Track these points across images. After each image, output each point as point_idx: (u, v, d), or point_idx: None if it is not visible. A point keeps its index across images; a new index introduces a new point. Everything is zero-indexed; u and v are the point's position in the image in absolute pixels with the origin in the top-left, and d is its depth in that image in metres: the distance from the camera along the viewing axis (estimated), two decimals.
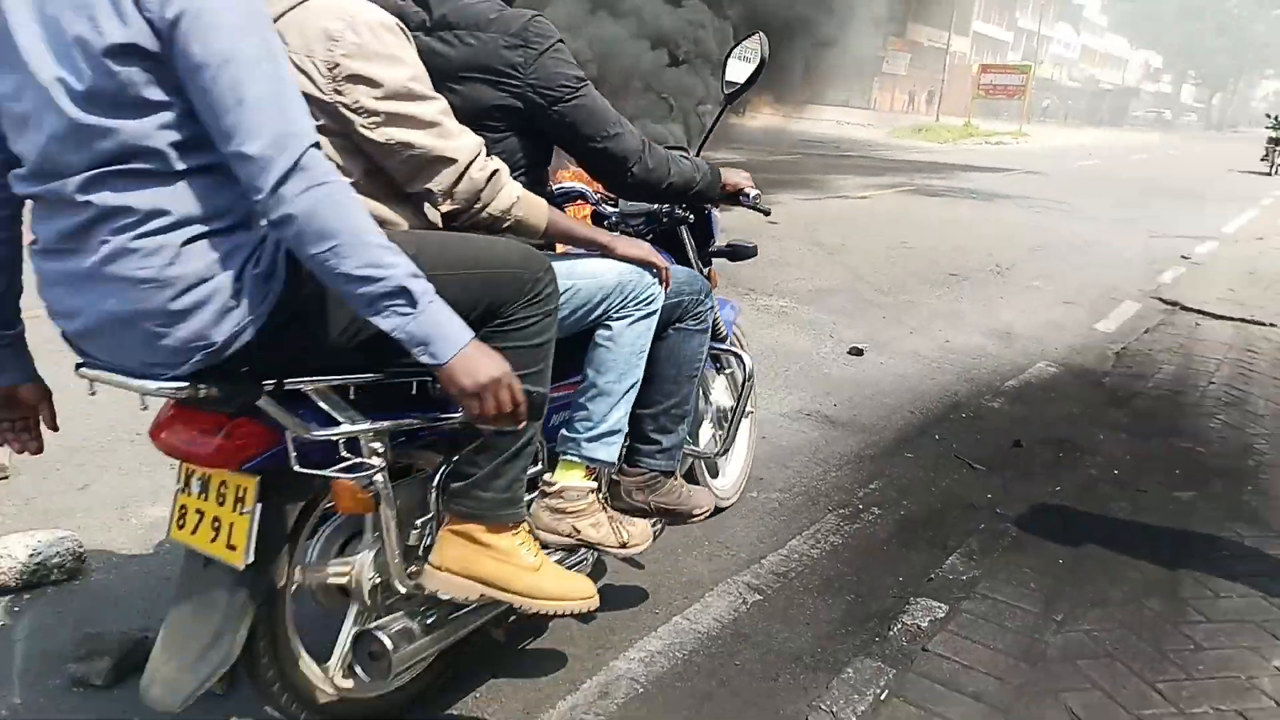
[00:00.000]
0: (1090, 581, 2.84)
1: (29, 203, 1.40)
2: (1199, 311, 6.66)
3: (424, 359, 1.39)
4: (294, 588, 1.71)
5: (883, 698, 2.23)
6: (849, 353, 5.09)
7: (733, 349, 2.85)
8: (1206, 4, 79.81)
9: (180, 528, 1.63)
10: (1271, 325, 6.33)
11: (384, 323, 1.35)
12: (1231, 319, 6.46)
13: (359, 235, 1.30)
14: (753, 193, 2.52)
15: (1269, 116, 24.52)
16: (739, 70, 2.70)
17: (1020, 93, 42.17)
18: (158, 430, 1.59)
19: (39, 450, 1.66)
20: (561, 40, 1.99)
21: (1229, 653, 2.49)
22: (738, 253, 2.97)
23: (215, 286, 1.33)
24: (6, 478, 2.92)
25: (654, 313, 2.12)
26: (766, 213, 2.64)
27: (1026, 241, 9.64)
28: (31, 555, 2.35)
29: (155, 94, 1.26)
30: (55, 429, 1.65)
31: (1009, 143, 31.66)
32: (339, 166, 1.59)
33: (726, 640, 2.43)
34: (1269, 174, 22.38)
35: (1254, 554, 3.07)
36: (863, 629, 2.53)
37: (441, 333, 1.39)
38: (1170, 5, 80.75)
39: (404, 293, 1.33)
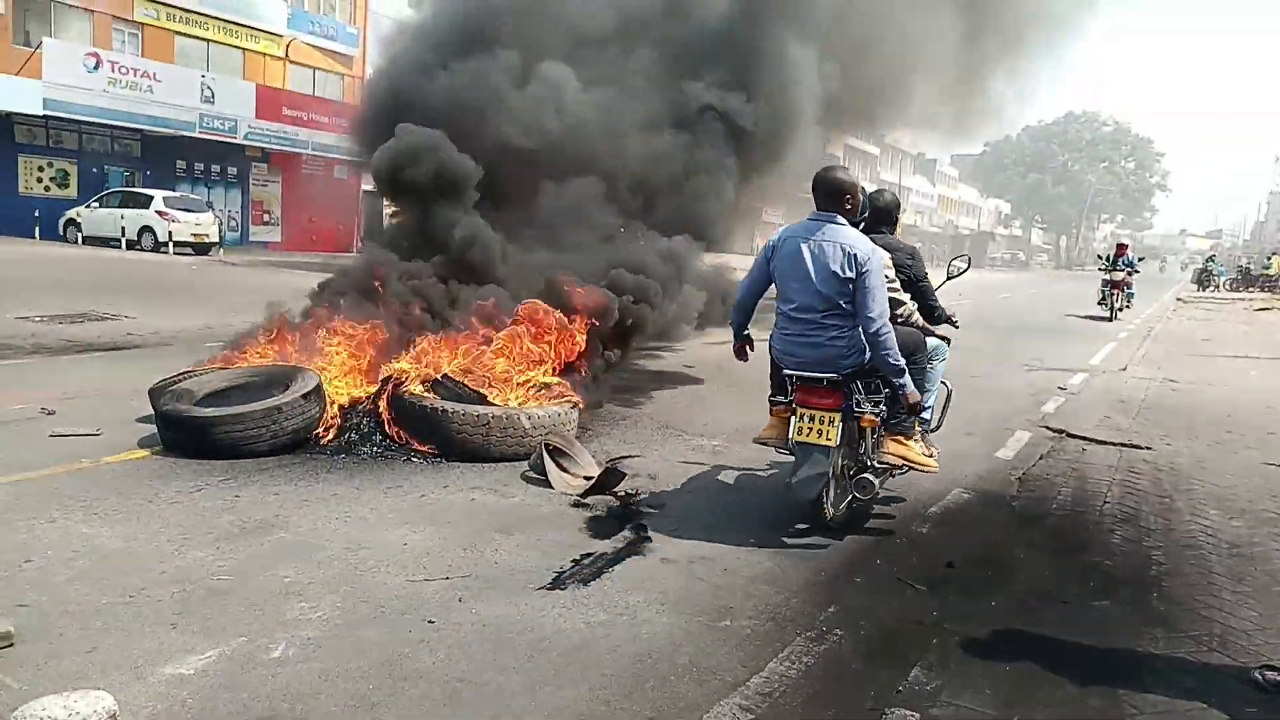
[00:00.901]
0: (1037, 686, 3.17)
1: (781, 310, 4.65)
2: (1083, 438, 7.34)
3: (901, 387, 4.48)
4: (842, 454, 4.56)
5: None
6: (785, 486, 5.43)
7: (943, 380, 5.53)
8: (1044, 158, 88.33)
9: (800, 435, 4.44)
10: (1149, 448, 7.03)
11: (895, 379, 4.46)
12: (1113, 444, 7.15)
13: (893, 349, 4.38)
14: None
15: (1100, 258, 23.10)
16: (953, 270, 6.33)
17: None
18: (801, 396, 4.50)
19: None
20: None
21: None
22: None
23: (856, 349, 4.43)
24: (11, 644, 2.92)
25: (945, 358, 5.37)
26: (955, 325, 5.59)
27: None
28: (69, 714, 2.40)
29: (847, 290, 4.35)
30: None
31: None
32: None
33: None
34: (1109, 319, 20.04)
35: (1169, 656, 3.46)
36: None
37: (906, 380, 4.47)
38: (1011, 159, 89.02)
39: (901, 371, 4.42)
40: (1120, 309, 20.87)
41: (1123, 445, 7.13)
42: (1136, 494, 5.75)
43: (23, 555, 3.74)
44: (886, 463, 4.80)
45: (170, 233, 22.80)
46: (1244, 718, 2.99)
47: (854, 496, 4.64)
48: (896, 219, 5.33)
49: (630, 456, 5.74)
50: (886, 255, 4.74)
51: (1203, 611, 3.89)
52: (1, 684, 2.74)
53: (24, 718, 2.40)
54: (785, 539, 4.55)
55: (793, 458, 4.59)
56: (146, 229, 23.20)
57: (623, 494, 5.08)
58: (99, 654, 2.97)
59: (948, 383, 5.59)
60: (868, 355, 4.45)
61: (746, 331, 4.94)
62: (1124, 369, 12.03)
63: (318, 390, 5.60)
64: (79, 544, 3.90)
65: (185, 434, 5.28)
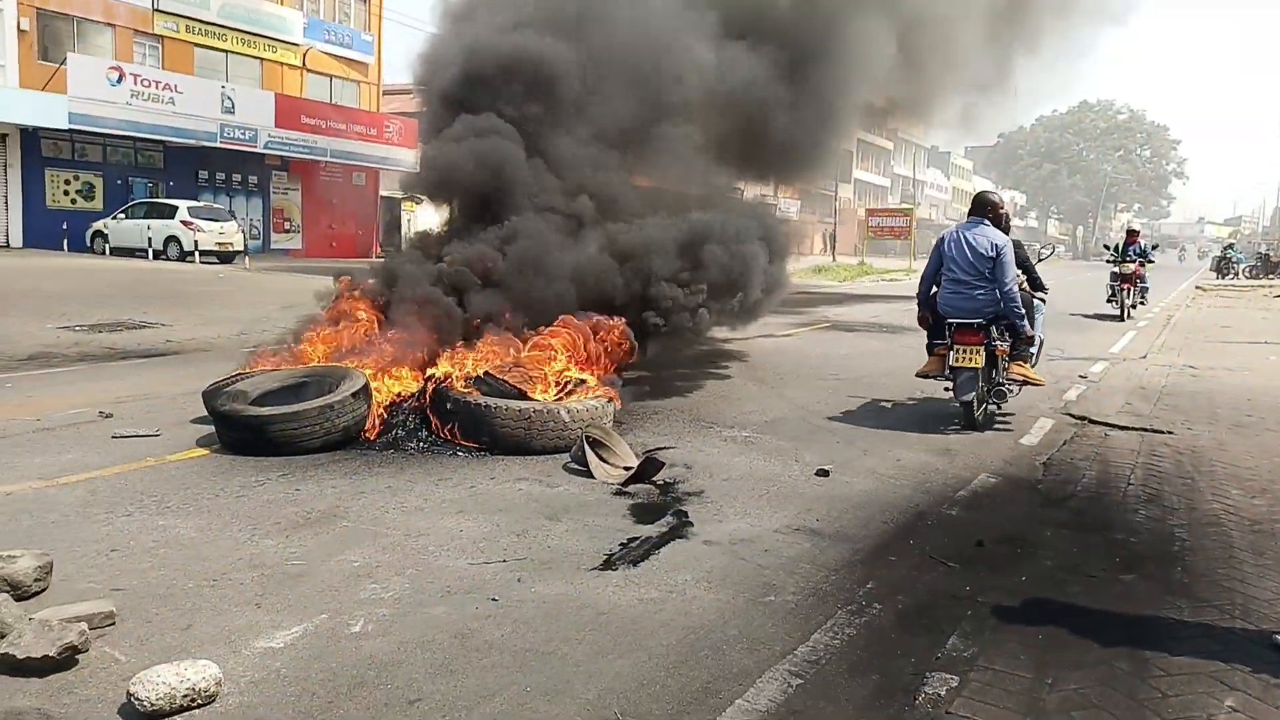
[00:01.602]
0: (1066, 650, 3.36)
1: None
2: (1105, 424, 7.50)
3: (1021, 328, 7.15)
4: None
5: None
6: (816, 474, 5.65)
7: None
8: (1058, 148, 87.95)
9: (957, 360, 6.99)
10: (1169, 433, 7.19)
11: (1018, 322, 7.09)
12: (1134, 429, 7.31)
13: (1017, 302, 7.07)
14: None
15: (1107, 248, 20.00)
16: (1042, 255, 9.30)
17: (905, 232, 45.38)
18: (958, 336, 7.01)
19: None
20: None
21: (1189, 698, 3.02)
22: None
23: (994, 303, 7.03)
24: (113, 623, 3.17)
25: (1043, 312, 7.96)
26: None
27: None
28: (181, 681, 2.63)
29: (990, 266, 6.97)
30: None
31: (901, 279, 33.87)
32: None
33: (784, 716, 2.85)
34: (1119, 317, 17.67)
35: (1192, 622, 3.65)
36: (893, 701, 2.97)
37: (1024, 323, 7.19)
38: (1025, 150, 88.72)
39: (1021, 316, 7.10)
40: (1133, 306, 18.41)
41: (1144, 430, 7.29)
42: (1159, 476, 5.92)
43: (108, 545, 3.99)
44: (1012, 379, 7.41)
45: (196, 242, 23.19)
46: (1267, 673, 3.17)
47: (992, 403, 7.34)
48: (1001, 215, 7.37)
49: (665, 448, 5.95)
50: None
51: (1225, 584, 4.06)
52: (110, 657, 2.98)
53: (142, 683, 2.64)
54: (817, 520, 4.76)
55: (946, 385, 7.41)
56: (172, 239, 23.60)
57: (662, 482, 5.30)
58: (194, 630, 3.21)
59: (1041, 333, 7.90)
60: (1000, 307, 7.03)
61: (929, 300, 7.40)
62: (1144, 357, 12.15)
63: (365, 389, 5.84)
64: (157, 535, 4.15)
65: (243, 433, 5.54)
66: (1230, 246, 46.94)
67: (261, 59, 30.73)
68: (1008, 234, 7.33)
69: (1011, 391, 7.48)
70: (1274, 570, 4.23)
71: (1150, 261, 19.36)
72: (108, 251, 23.96)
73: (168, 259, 23.32)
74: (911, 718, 2.86)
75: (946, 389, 7.47)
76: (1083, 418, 7.76)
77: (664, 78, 8.57)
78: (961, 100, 14.69)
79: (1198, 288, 31.70)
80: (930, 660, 3.26)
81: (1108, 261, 19.05)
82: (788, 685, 3.03)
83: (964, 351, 7.01)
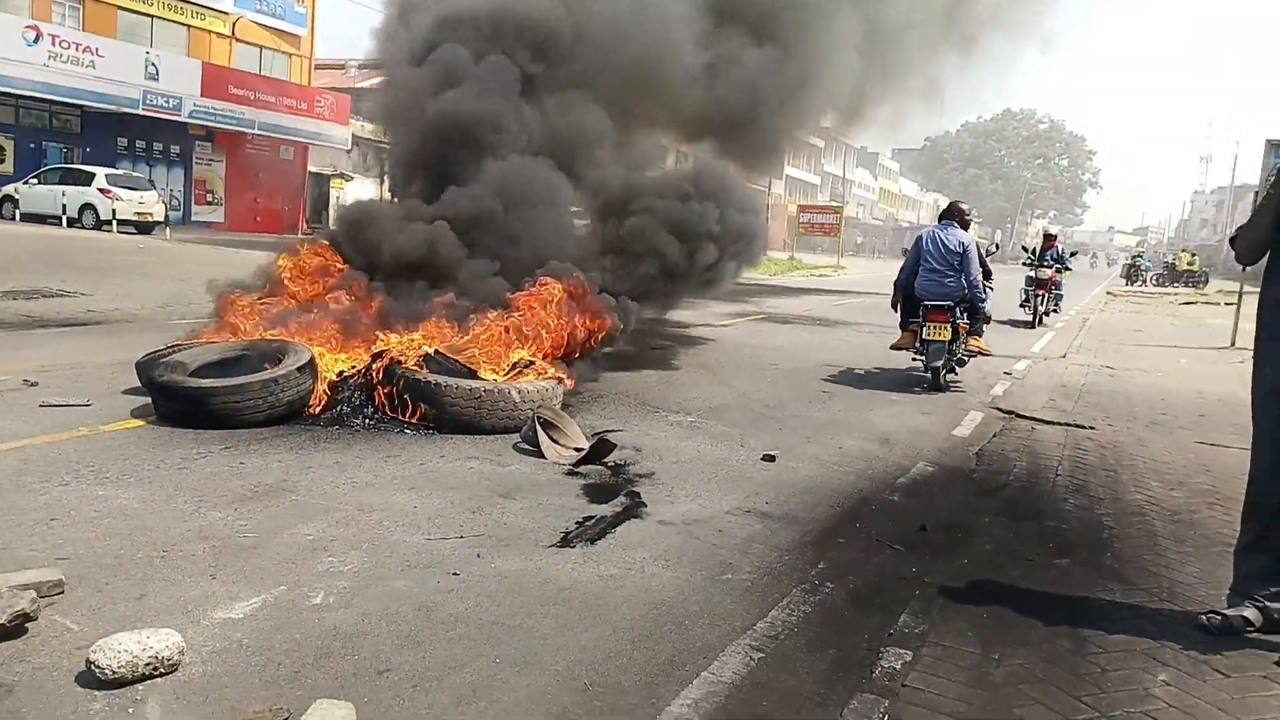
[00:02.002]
0: (1011, 629, 3.51)
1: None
2: (1032, 418, 7.79)
3: (981, 308, 9.12)
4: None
5: None
6: (762, 459, 5.75)
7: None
8: (981, 154, 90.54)
9: (929, 335, 8.70)
10: (1091, 428, 7.51)
11: (980, 304, 9.00)
12: (1059, 424, 7.61)
13: (979, 289, 8.86)
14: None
15: (1025, 250, 18.89)
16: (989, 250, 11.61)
17: (835, 230, 46.16)
18: (931, 315, 8.66)
19: None
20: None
21: (1126, 673, 3.19)
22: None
23: (960, 290, 8.80)
24: (62, 592, 3.06)
25: (991, 297, 9.73)
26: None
27: (873, 360, 10.81)
28: (144, 649, 2.57)
29: (958, 259, 8.67)
30: None
31: (830, 274, 34.50)
32: None
33: (749, 687, 2.91)
34: (1030, 324, 16.85)
35: (1125, 604, 3.84)
36: (850, 673, 3.07)
37: (985, 305, 9.18)
38: (950, 155, 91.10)
39: (983, 300, 9.01)
40: (1045, 313, 17.49)
41: (1068, 425, 7.60)
42: (1084, 468, 6.19)
43: (47, 515, 3.85)
44: (969, 350, 9.26)
45: (114, 211, 22.30)
46: (1195, 650, 3.36)
47: (953, 371, 9.23)
48: (967, 220, 9.34)
49: (614, 431, 5.98)
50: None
51: (1151, 569, 4.28)
52: (62, 626, 2.89)
53: (103, 651, 2.57)
54: (766, 503, 4.85)
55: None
56: (88, 206, 22.67)
57: (613, 464, 5.34)
58: (148, 600, 3.13)
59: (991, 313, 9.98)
60: (965, 293, 8.80)
61: (907, 285, 9.06)
62: (1063, 356, 12.63)
63: (311, 363, 5.73)
64: (99, 504, 4.02)
65: (182, 404, 5.38)
66: (1140, 255, 49.00)
67: (189, 25, 29.66)
68: (962, 228, 9.19)
69: (966, 360, 9.41)
70: (1194, 557, 4.47)
71: (1067, 269, 18.43)
72: (17, 217, 22.88)
73: (82, 227, 22.39)
74: (869, 690, 2.95)
75: (914, 359, 9.39)
76: (1010, 412, 8.04)
77: (647, 49, 8.62)
78: (894, 104, 15.01)
79: (1109, 293, 33.02)
80: (883, 636, 3.36)
81: (1024, 264, 18.25)
82: (750, 659, 3.10)
83: (935, 327, 8.73)
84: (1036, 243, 18.72)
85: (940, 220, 9.26)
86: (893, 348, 9.35)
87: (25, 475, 4.34)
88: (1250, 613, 3.51)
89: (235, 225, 29.95)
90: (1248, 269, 4.92)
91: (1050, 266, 17.46)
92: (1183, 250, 46.48)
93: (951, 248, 8.78)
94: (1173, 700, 2.99)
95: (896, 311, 9.32)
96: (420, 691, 2.71)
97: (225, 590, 3.26)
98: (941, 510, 5.06)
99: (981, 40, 12.98)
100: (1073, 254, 19.56)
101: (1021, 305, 17.58)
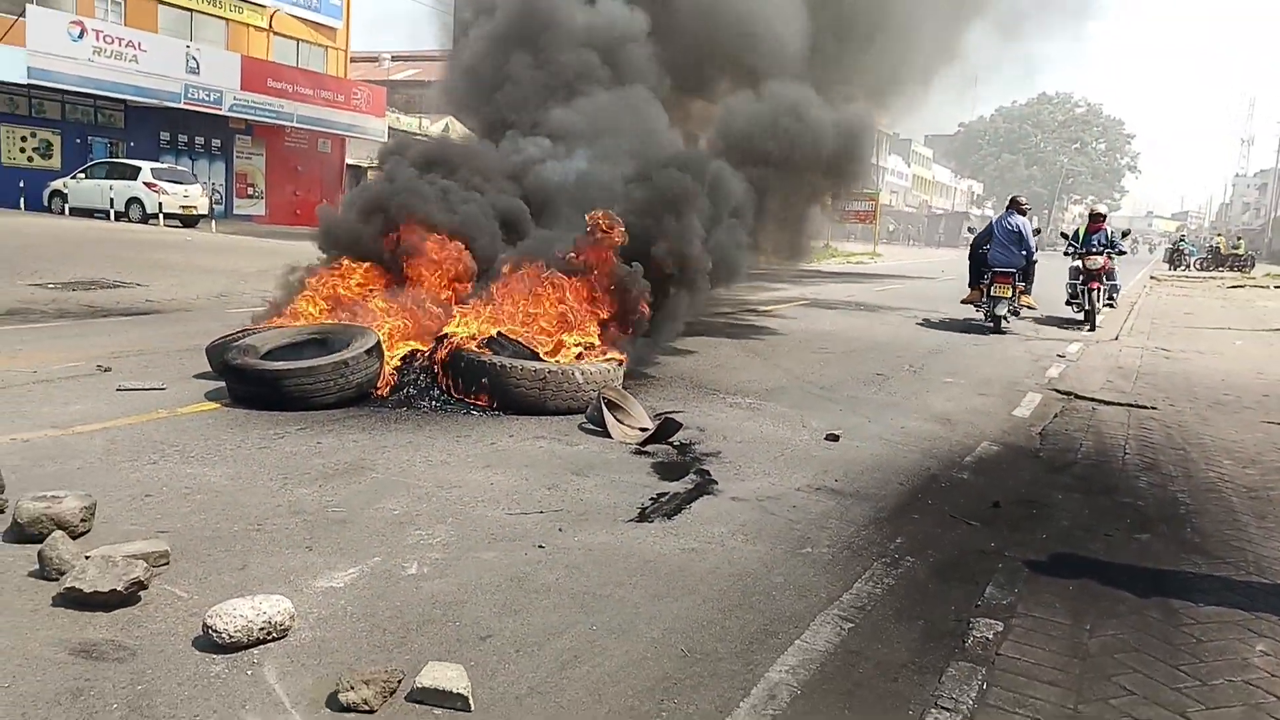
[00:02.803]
0: (1099, 600, 3.49)
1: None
2: (1092, 399, 7.71)
3: (1033, 271, 13.48)
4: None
5: (984, 687, 2.77)
6: (826, 438, 5.74)
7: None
8: (1016, 139, 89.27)
9: (994, 292, 12.59)
10: (1153, 408, 7.42)
11: (1032, 269, 13.34)
12: (1120, 404, 7.52)
13: (1034, 259, 13.42)
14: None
15: (1065, 237, 15.76)
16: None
17: (869, 217, 45.76)
18: (997, 277, 12.65)
19: None
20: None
21: (1222, 642, 3.16)
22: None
23: (1019, 259, 13.02)
24: (168, 563, 3.14)
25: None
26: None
27: (923, 345, 10.75)
28: (257, 614, 2.64)
29: (1019, 237, 12.86)
30: None
31: (867, 262, 34.28)
32: None
33: (843, 655, 2.93)
34: (1083, 324, 13.66)
35: (1211, 577, 3.80)
36: (943, 643, 3.07)
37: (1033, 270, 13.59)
38: (985, 140, 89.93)
39: (1034, 266, 13.42)
40: (1099, 310, 13.94)
41: (1130, 405, 7.50)
42: (1152, 447, 6.11)
43: (141, 491, 3.95)
44: (1022, 304, 13.10)
45: (160, 204, 22.66)
46: None
47: (1007, 320, 12.67)
48: (1026, 210, 13.20)
49: (676, 412, 6.01)
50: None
51: (1234, 543, 4.23)
52: (172, 594, 2.97)
53: (219, 616, 2.64)
54: (835, 480, 4.85)
55: None
56: (134, 200, 23.03)
57: (678, 443, 5.36)
58: (250, 570, 3.21)
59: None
60: (1023, 262, 12.79)
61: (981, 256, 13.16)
62: (1116, 339, 12.47)
63: (378, 346, 5.81)
64: (189, 482, 4.12)
65: (256, 387, 5.48)
66: (1183, 239, 48.12)
67: (227, 19, 29.98)
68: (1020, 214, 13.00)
69: (1019, 312, 13.32)
70: (1277, 533, 4.42)
71: (1121, 252, 14.70)
72: (66, 211, 23.31)
73: (129, 221, 22.77)
74: (964, 658, 2.96)
75: (976, 311, 13.23)
76: (1069, 393, 7.96)
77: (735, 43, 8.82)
78: (926, 87, 14.88)
79: (1152, 277, 32.48)
80: (971, 608, 3.36)
81: (1066, 254, 14.87)
82: (840, 629, 3.11)
83: (1000, 286, 12.57)
84: (1080, 225, 15.28)
85: (1007, 209, 13.28)
86: (964, 302, 13.64)
87: (114, 455, 4.45)
88: None
89: (275, 218, 30.30)
90: None
91: (1100, 252, 13.94)
92: (1218, 235, 45.43)
93: (1012, 229, 12.88)
94: (1273, 670, 2.97)
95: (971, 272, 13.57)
96: (524, 655, 2.75)
97: (323, 561, 3.33)
98: (1012, 487, 5.03)
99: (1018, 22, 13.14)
100: (1124, 233, 15.41)
101: (1069, 302, 14.45)
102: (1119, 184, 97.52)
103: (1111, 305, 15.54)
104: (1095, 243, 14.15)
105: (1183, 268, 41.20)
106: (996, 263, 12.65)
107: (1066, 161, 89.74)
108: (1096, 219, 14.64)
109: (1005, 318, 12.58)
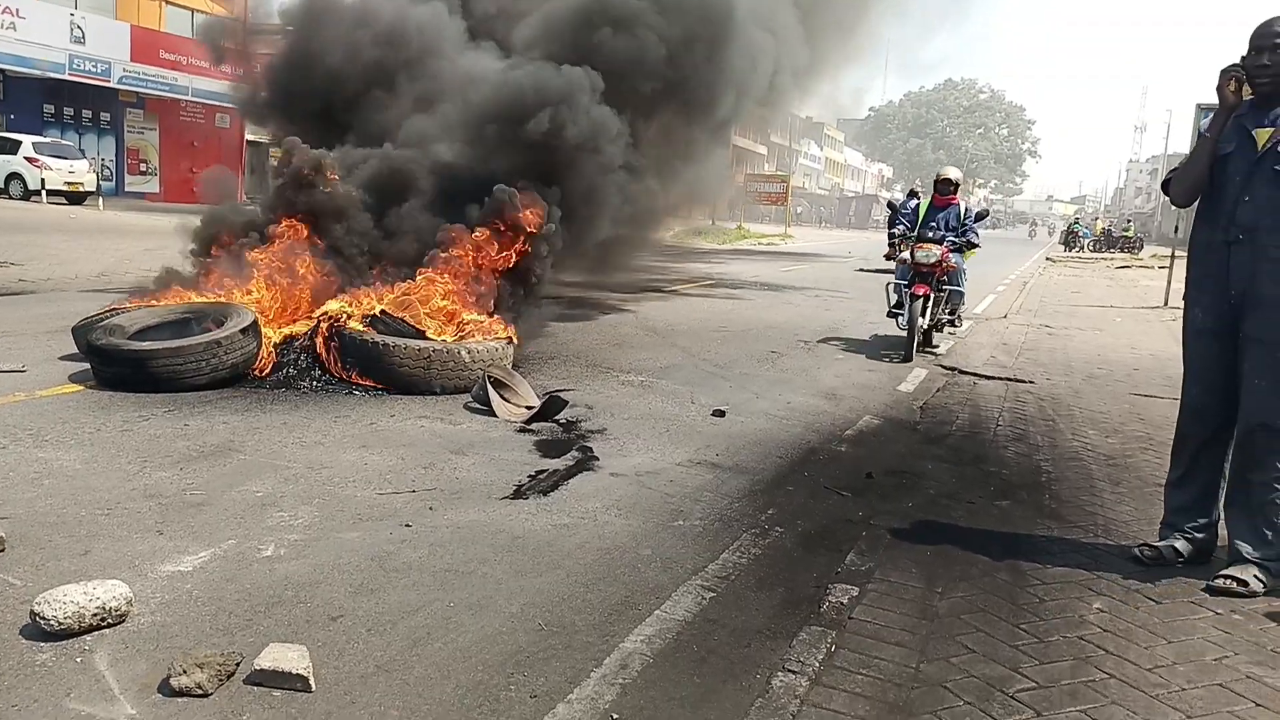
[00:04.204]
0: (953, 565, 3.62)
1: None
2: (974, 374, 7.98)
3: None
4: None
5: (833, 650, 2.84)
6: (712, 414, 5.81)
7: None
8: (923, 124, 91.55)
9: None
10: (1031, 382, 7.71)
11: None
12: (1000, 379, 7.80)
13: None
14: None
15: (891, 207, 10.79)
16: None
17: (782, 199, 46.43)
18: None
19: None
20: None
21: (1063, 601, 3.31)
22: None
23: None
24: (3, 549, 3.00)
25: None
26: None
27: (822, 323, 10.95)
28: (90, 600, 2.53)
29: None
30: None
31: (778, 243, 34.72)
32: None
33: (700, 624, 2.97)
34: (906, 356, 8.54)
35: (1062, 540, 3.98)
36: (799, 609, 3.14)
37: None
38: (894, 125, 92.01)
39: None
40: (937, 325, 9.44)
41: (1009, 380, 7.79)
42: (1024, 419, 6.36)
43: None
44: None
45: (43, 180, 21.52)
46: (1130, 581, 3.50)
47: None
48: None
49: (566, 390, 5.99)
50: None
51: (1088, 508, 4.43)
52: (4, 582, 2.83)
53: (47, 603, 2.53)
54: (716, 455, 4.91)
55: None
56: (15, 176, 21.84)
57: (564, 421, 5.35)
58: (93, 556, 3.08)
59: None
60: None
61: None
62: (1004, 316, 12.91)
63: (254, 326, 5.63)
64: (38, 466, 3.93)
65: (122, 368, 5.26)
66: (1077, 222, 50.09)
67: None
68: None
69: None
70: (1129, 497, 4.64)
71: (972, 246, 9.45)
72: None
73: (9, 198, 21.58)
74: (817, 622, 3.03)
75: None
76: (953, 368, 8.22)
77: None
78: (840, 73, 15.12)
79: (1048, 259, 33.75)
80: (831, 575, 3.45)
81: (891, 239, 9.88)
82: (702, 598, 3.16)
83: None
84: (920, 198, 10.35)
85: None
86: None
87: None
88: (1180, 544, 3.67)
89: (171, 196, 29.04)
90: (1179, 231, 5.06)
91: (937, 239, 9.07)
92: (1095, 219, 47.23)
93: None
94: (1106, 625, 3.12)
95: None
96: (374, 635, 2.71)
97: (173, 545, 3.22)
98: (887, 459, 5.17)
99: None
100: (981, 215, 9.94)
101: (891, 313, 9.49)
102: (1020, 168, 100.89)
103: (954, 325, 10.01)
104: (936, 222, 9.36)
105: (1077, 249, 42.91)
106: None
107: (971, 146, 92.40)
108: (945, 188, 9.56)
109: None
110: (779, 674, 2.67)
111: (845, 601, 3.20)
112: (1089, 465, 5.21)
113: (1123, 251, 41.02)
